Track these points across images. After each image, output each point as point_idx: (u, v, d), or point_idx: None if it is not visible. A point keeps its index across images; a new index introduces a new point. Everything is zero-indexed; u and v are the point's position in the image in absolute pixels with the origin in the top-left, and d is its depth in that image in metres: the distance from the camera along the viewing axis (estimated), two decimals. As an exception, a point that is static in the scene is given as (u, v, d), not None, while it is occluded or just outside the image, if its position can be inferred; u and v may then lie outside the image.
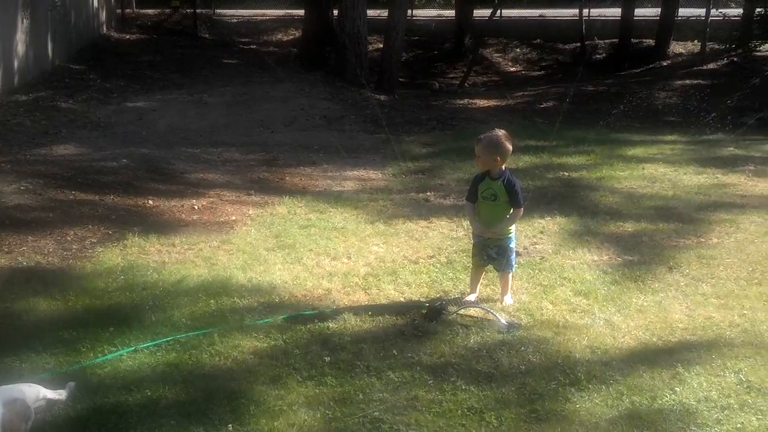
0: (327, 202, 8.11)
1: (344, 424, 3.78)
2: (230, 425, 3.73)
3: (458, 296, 5.48)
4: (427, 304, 5.29)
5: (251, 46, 21.77)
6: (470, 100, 17.52)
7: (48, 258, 6.08)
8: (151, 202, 7.81)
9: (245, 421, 3.79)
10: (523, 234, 6.82)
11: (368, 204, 8.17)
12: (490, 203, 5.28)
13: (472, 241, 5.50)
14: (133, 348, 4.53)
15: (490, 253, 5.36)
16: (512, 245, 5.36)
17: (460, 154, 10.58)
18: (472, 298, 5.42)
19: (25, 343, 4.52)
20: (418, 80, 20.34)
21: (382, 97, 16.35)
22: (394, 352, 4.61)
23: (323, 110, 14.33)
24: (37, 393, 3.73)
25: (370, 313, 5.17)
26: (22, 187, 7.72)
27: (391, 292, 5.63)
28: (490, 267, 5.52)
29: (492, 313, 5.09)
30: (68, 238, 6.53)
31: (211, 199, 8.12)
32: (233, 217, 7.50)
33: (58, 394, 3.89)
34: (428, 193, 8.67)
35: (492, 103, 17.24)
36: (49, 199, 7.53)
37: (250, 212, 7.69)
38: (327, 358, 4.48)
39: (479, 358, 4.54)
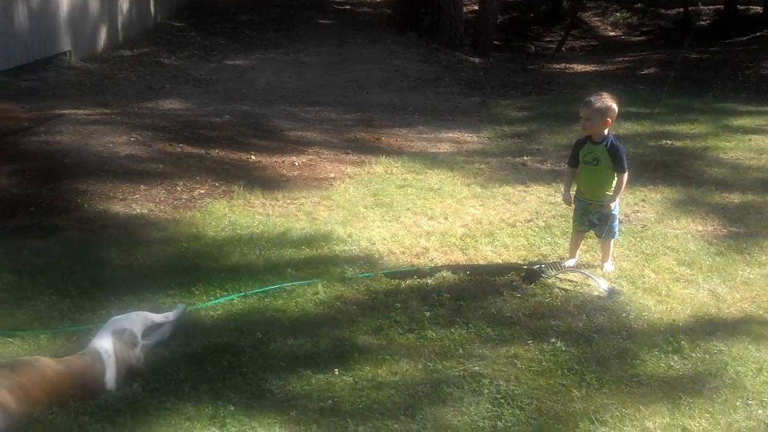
0: (423, 163, 8.18)
1: (445, 376, 3.88)
2: (336, 370, 3.88)
3: (557, 260, 5.48)
4: (526, 267, 5.31)
5: (346, 7, 21.86)
6: (567, 65, 17.17)
7: (160, 206, 6.37)
8: (253, 157, 8.05)
9: (350, 367, 3.94)
10: (625, 202, 6.73)
11: (464, 166, 8.20)
12: (592, 168, 5.23)
13: (574, 206, 5.47)
14: (243, 293, 4.74)
15: (592, 218, 5.32)
16: (615, 212, 5.30)
17: (557, 119, 10.44)
18: (571, 263, 5.41)
19: (142, 284, 4.79)
20: (513, 43, 20.05)
21: (477, 60, 16.21)
22: (493, 311, 4.67)
23: (418, 72, 14.33)
24: (144, 320, 3.99)
25: (468, 272, 5.24)
26: (132, 139, 8.07)
27: (488, 254, 5.67)
28: (590, 233, 5.49)
29: (592, 278, 5.08)
30: (178, 189, 6.82)
31: (310, 157, 8.30)
32: (332, 175, 7.66)
33: (165, 317, 4.17)
34: (525, 158, 8.62)
35: (590, 68, 16.85)
36: (158, 150, 7.85)
37: (348, 170, 7.84)
38: (427, 313, 4.59)
39: (579, 322, 4.56)
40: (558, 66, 17.03)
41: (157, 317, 4.11)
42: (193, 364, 3.85)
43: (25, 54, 11.45)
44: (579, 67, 16.91)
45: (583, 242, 5.59)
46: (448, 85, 13.71)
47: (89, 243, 5.45)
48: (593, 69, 16.71)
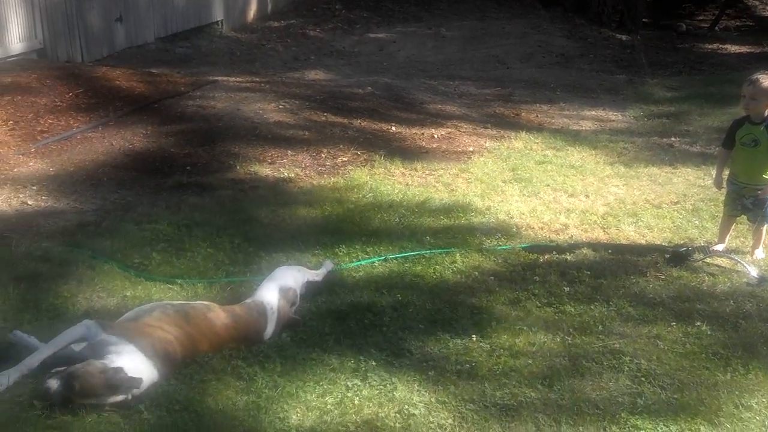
0: (564, 140, 8.05)
1: (584, 351, 3.86)
2: (474, 336, 3.95)
3: (704, 244, 5.29)
4: (671, 249, 5.17)
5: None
6: (720, 45, 16.29)
7: (305, 171, 6.62)
8: (394, 128, 8.19)
9: (487, 334, 3.99)
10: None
11: (607, 145, 8.01)
12: (749, 150, 5.00)
13: (725, 189, 5.26)
14: (383, 257, 4.88)
15: (746, 203, 5.10)
16: None
17: (709, 100, 9.98)
18: (719, 248, 5.21)
19: (290, 243, 5.03)
20: (662, 21, 19.17)
21: (624, 37, 15.66)
22: (635, 291, 4.59)
23: (561, 48, 14.03)
24: (304, 278, 4.20)
25: (609, 251, 5.16)
26: (280, 107, 8.39)
27: (631, 234, 5.55)
28: (742, 218, 5.26)
29: (742, 264, 4.88)
30: (322, 155, 7.05)
31: (449, 130, 8.34)
32: (470, 148, 7.68)
33: (317, 275, 4.37)
34: (673, 139, 8.31)
35: (745, 49, 15.91)
36: (304, 119, 8.13)
37: (487, 144, 7.83)
38: (566, 288, 4.56)
39: (726, 307, 4.40)
40: (710, 46, 16.19)
41: (314, 276, 4.31)
42: (336, 320, 4.02)
43: (180, 22, 12.10)
44: (733, 48, 16.00)
45: (733, 227, 5.36)
46: (592, 62, 13.36)
47: (241, 202, 5.75)
48: (748, 50, 15.77)
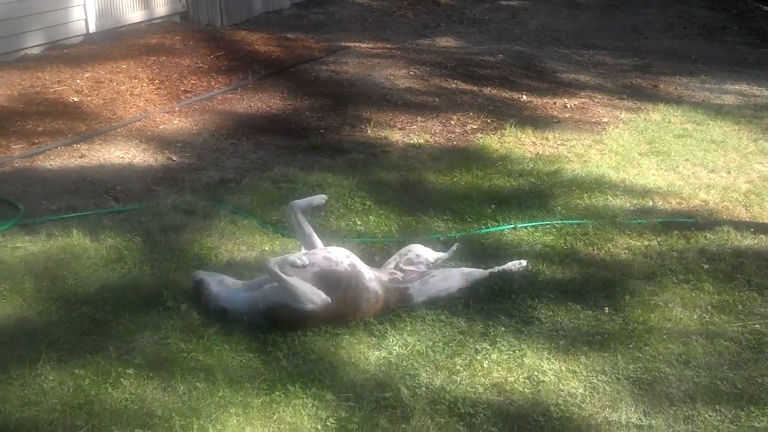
0: (705, 114, 7.68)
1: (722, 330, 3.72)
2: (606, 308, 3.88)
3: None
4: (821, 231, 4.87)
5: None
6: None
7: (435, 138, 6.64)
8: (525, 97, 8.06)
9: (620, 308, 3.91)
10: None
11: (751, 120, 7.59)
12: None
13: None
14: (513, 225, 4.85)
15: None
16: None
17: None
18: None
19: (419, 207, 5.08)
20: (818, -9, 17.82)
21: (773, 8, 14.67)
22: (779, 271, 4.36)
23: (703, 19, 13.32)
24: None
25: (752, 229, 4.91)
26: (411, 73, 8.43)
27: (776, 213, 5.27)
28: None
29: None
30: (452, 122, 7.04)
31: (583, 100, 8.13)
32: (605, 119, 7.46)
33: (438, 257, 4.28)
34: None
35: None
36: (434, 85, 8.13)
37: (622, 116, 7.58)
38: (705, 266, 4.39)
39: None
40: None
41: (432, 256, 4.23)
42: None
43: (315, -11, 12.31)
44: None
45: None
46: (736, 34, 12.60)
47: (372, 165, 5.84)
48: None
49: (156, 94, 7.10)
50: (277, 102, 7.18)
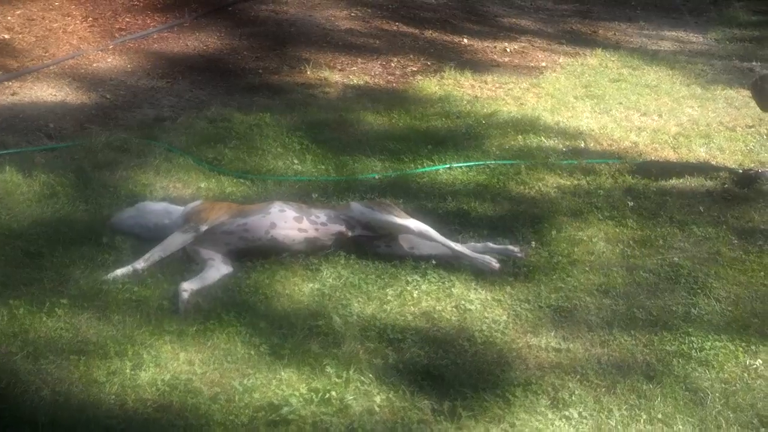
0: (641, 59, 7.85)
1: (642, 263, 3.90)
2: (533, 242, 4.03)
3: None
4: (741, 171, 5.09)
5: None
6: (817, -32, 15.34)
7: (374, 80, 6.66)
8: (466, 40, 8.10)
9: (546, 242, 4.06)
10: None
11: (685, 66, 7.78)
12: None
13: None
14: (448, 165, 4.95)
15: None
16: None
17: (796, 25, 9.52)
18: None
19: (357, 147, 5.13)
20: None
21: (713, -43, 14.89)
22: (700, 209, 4.56)
23: (645, -34, 13.45)
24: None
25: (677, 170, 5.11)
26: (352, 14, 8.38)
27: (701, 155, 5.47)
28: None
29: (814, 188, 4.79)
30: (392, 65, 7.06)
31: (522, 44, 8.21)
32: (543, 63, 7.57)
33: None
34: (754, 63, 8.00)
35: None
36: (375, 27, 8.10)
37: (560, 60, 7.70)
38: (630, 203, 4.57)
39: (792, 230, 4.36)
40: (806, -32, 15.27)
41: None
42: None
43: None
44: (831, -29, 15.06)
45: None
46: (677, -19, 12.80)
47: (310, 105, 5.85)
48: None
49: (89, 32, 6.93)
50: (214, 41, 7.08)
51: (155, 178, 4.42)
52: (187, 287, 3.33)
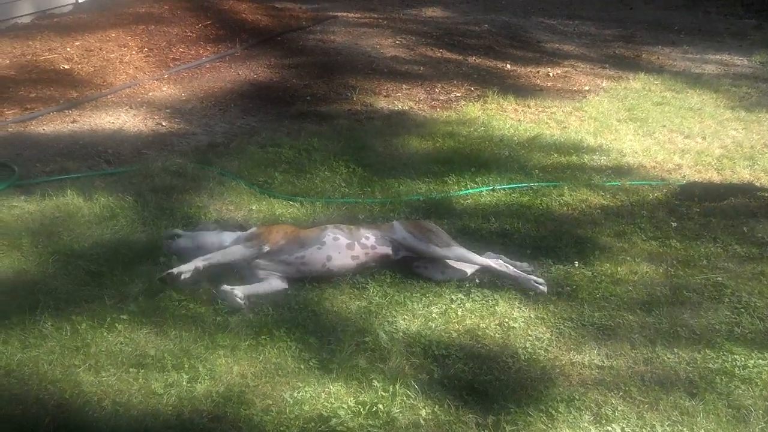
0: (684, 83, 7.87)
1: (686, 282, 3.93)
2: (576, 262, 4.08)
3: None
4: (787, 192, 5.09)
5: None
6: None
7: (419, 105, 6.80)
8: (509, 66, 8.21)
9: (590, 262, 4.11)
10: None
11: (729, 89, 7.78)
12: None
13: None
14: (491, 187, 5.04)
15: None
16: None
17: None
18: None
19: (402, 170, 5.25)
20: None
21: (759, -20, 14.79)
22: (744, 229, 4.58)
23: (688, -10, 13.44)
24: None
25: (721, 191, 5.13)
26: (397, 42, 8.56)
27: (745, 176, 5.48)
28: None
29: None
30: (436, 90, 7.20)
31: (565, 69, 8.29)
32: (586, 87, 7.64)
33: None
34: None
35: None
36: (420, 54, 8.27)
37: (603, 84, 7.76)
38: (673, 224, 4.60)
39: (840, 251, 4.34)
40: None
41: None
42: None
43: (304, -40, 12.34)
44: None
45: None
46: (720, 5, 12.76)
47: (356, 131, 6.01)
48: None
49: (145, 62, 7.21)
50: (264, 70, 7.32)
51: (209, 200, 4.59)
52: (238, 291, 3.51)
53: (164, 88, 6.71)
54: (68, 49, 7.13)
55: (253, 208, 4.55)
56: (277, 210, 4.54)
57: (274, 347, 3.20)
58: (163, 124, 5.94)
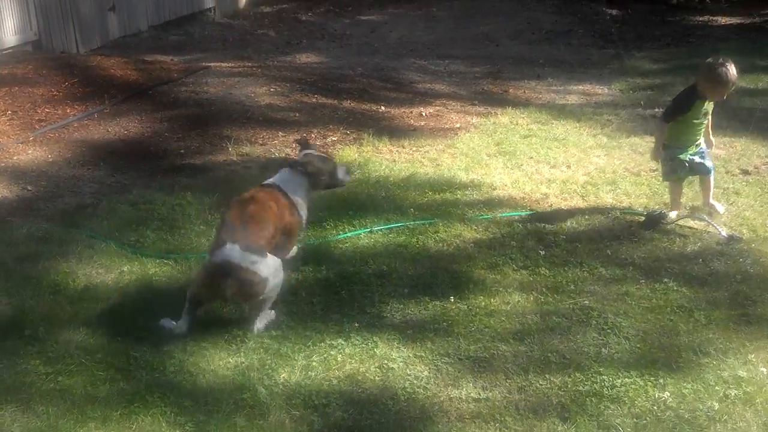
0: (549, 114, 8.24)
1: (555, 308, 4.10)
2: (452, 297, 4.19)
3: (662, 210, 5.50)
4: (646, 213, 5.38)
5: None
6: (711, 17, 16.34)
7: (296, 151, 6.82)
8: (383, 107, 8.39)
9: (465, 296, 4.23)
10: (755, 154, 6.61)
11: (592, 117, 8.20)
12: (700, 121, 5.36)
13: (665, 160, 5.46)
14: (369, 229, 5.11)
15: (692, 160, 5.32)
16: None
17: (694, 71, 10.02)
18: (673, 214, 5.40)
19: (279, 219, 5.25)
20: (653, -5, 19.22)
21: (614, 12, 15.74)
22: (608, 252, 4.81)
23: (550, 24, 14.16)
24: None
25: (586, 216, 5.38)
26: (272, 90, 8.59)
27: (609, 201, 5.77)
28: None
29: (713, 225, 5.09)
30: (312, 136, 7.25)
31: (437, 108, 8.54)
32: (457, 125, 7.88)
33: None
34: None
35: (735, 20, 15.98)
36: (295, 101, 8.33)
37: (473, 121, 8.02)
38: (542, 252, 4.79)
39: (694, 265, 4.63)
40: (701, 18, 16.24)
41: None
42: (323, 288, 4.27)
43: (173, 10, 12.33)
44: (723, 20, 16.08)
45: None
46: (581, 37, 13.49)
47: (233, 182, 5.96)
48: (738, 21, 15.82)
49: (9, 125, 6.95)
50: (135, 125, 7.18)
51: (77, 265, 4.45)
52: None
53: (29, 151, 6.47)
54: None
55: (125, 269, 4.44)
56: (150, 270, 4.45)
57: (147, 414, 3.12)
58: (29, 188, 5.73)
